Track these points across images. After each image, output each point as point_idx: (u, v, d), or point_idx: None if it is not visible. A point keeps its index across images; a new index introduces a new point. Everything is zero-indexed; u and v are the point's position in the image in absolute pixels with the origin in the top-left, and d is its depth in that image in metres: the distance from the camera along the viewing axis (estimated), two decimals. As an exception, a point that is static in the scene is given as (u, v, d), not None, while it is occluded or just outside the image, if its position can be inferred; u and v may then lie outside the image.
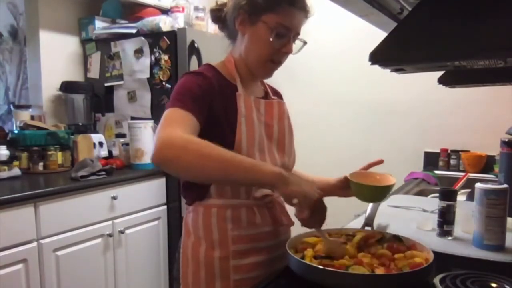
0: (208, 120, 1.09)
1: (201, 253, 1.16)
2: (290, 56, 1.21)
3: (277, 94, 1.37)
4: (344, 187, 1.26)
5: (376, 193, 1.20)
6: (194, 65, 2.62)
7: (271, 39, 1.12)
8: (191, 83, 1.10)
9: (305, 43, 1.20)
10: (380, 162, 1.26)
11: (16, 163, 2.33)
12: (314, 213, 0.98)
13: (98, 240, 2.24)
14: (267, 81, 1.33)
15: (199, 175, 0.98)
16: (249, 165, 0.97)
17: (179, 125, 1.00)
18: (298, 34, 1.18)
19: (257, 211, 1.17)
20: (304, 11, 1.15)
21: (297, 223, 1.29)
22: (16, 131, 2.50)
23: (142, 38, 2.71)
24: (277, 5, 1.11)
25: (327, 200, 1.12)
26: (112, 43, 2.84)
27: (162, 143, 0.95)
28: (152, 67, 2.71)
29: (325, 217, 1.02)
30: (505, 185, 1.17)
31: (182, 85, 1.11)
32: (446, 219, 1.27)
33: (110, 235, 2.28)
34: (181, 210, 2.63)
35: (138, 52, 2.74)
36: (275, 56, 1.16)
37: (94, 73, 2.96)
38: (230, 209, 1.15)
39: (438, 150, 2.77)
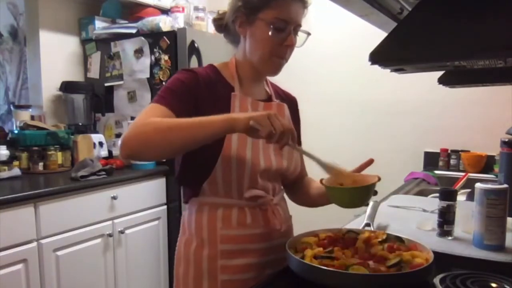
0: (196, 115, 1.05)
1: (191, 251, 1.17)
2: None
3: (287, 98, 1.34)
4: None
5: (352, 196, 1.04)
6: (194, 65, 2.62)
7: (270, 34, 1.11)
8: (177, 80, 1.13)
9: (308, 34, 1.18)
10: (371, 162, 1.13)
11: (16, 163, 2.33)
12: (275, 126, 0.94)
13: (98, 240, 2.24)
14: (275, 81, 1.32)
15: (165, 149, 1.01)
16: (203, 120, 0.99)
17: (153, 117, 1.03)
18: (299, 26, 1.15)
19: (248, 212, 1.16)
20: (300, 1, 1.14)
21: (296, 224, 1.30)
22: (16, 131, 2.50)
23: (142, 38, 2.71)
24: (270, 0, 1.11)
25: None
26: (112, 43, 2.84)
27: (125, 138, 1.01)
28: (152, 67, 2.71)
29: (290, 129, 0.96)
30: (505, 185, 1.17)
31: (169, 82, 1.14)
32: (446, 219, 1.27)
33: (110, 235, 2.29)
34: (181, 210, 2.63)
35: (138, 52, 2.74)
36: (278, 51, 1.14)
37: (94, 73, 2.96)
38: (221, 208, 1.15)
39: (438, 150, 2.77)
